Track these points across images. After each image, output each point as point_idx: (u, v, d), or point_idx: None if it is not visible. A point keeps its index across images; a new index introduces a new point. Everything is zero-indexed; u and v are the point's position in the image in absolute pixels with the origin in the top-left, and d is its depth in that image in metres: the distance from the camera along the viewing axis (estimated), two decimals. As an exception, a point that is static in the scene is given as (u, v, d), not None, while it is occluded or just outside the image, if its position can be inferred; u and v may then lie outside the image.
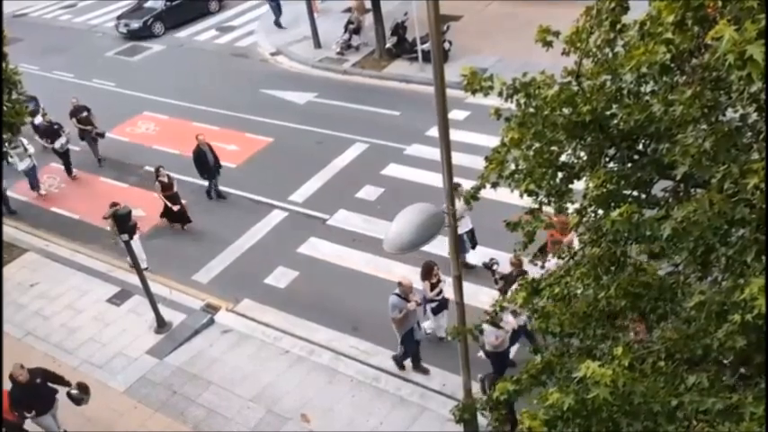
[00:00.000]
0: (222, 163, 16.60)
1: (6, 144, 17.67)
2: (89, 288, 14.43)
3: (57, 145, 17.90)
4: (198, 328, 13.07)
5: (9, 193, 17.62)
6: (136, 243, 13.42)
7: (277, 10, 26.12)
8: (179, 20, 28.52)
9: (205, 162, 16.19)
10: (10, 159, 17.36)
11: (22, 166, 17.17)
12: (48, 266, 15.26)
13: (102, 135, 18.65)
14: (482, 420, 8.28)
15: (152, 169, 15.92)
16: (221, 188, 16.79)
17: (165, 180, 15.36)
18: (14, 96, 16.42)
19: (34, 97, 19.41)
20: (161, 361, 12.47)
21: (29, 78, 18.35)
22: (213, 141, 16.77)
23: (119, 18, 28.48)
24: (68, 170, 18.48)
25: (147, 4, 28.81)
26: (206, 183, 16.71)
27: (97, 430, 11.27)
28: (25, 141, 17.23)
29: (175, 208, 15.55)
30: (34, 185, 17.84)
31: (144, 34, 27.62)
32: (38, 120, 18.66)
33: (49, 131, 18.00)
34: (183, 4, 28.68)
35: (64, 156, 18.24)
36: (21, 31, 27.93)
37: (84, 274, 14.84)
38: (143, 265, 13.64)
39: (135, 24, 27.80)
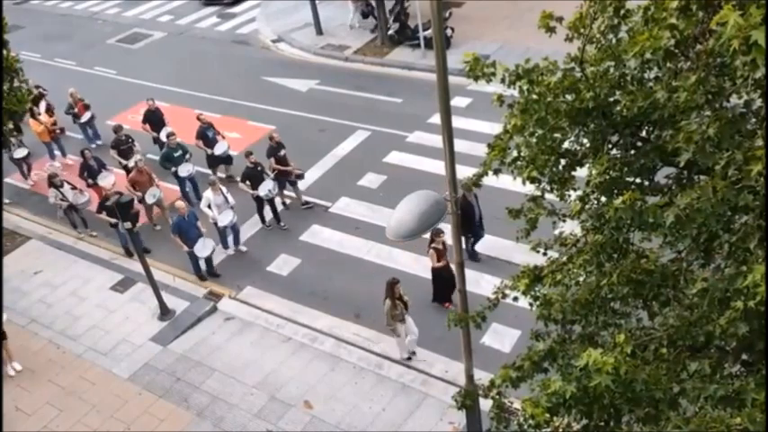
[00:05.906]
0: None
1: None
2: (92, 275, 14.47)
3: (262, 192, 14.41)
4: (201, 315, 13.13)
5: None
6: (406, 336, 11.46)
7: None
8: None
9: (472, 217, 12.51)
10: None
11: (224, 222, 13.92)
12: (51, 254, 15.29)
13: (301, 176, 15.57)
14: (484, 407, 8.32)
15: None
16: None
17: (441, 246, 11.96)
18: (16, 84, 16.46)
19: (211, 124, 16.73)
20: (165, 348, 12.53)
21: (31, 66, 18.32)
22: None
23: None
24: (276, 218, 15.08)
25: None
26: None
27: (101, 416, 11.35)
28: (226, 191, 14.23)
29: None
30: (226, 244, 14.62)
31: None
32: (219, 150, 16.16)
33: (253, 175, 14.50)
34: None
35: (269, 204, 14.82)
36: (22, 18, 27.88)
37: (87, 262, 14.88)
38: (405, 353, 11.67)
39: None
